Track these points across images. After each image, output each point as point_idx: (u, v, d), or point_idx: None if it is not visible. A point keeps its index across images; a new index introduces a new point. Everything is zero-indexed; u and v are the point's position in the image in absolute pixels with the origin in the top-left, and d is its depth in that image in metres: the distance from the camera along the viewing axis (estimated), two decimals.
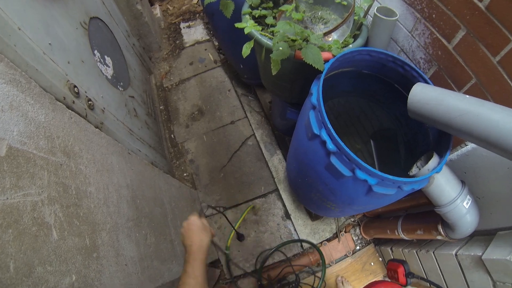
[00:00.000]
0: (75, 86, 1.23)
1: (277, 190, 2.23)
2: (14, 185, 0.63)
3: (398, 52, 1.37)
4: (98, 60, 1.63)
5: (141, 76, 2.49)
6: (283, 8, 1.23)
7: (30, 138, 0.70)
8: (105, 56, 1.74)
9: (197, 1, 3.76)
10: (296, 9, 1.26)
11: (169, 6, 4.11)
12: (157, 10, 3.94)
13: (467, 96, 0.90)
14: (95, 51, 1.63)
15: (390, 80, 1.31)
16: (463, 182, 1.14)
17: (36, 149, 0.71)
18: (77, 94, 1.24)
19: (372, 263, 2.04)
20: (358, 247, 2.10)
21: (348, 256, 2.07)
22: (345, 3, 1.30)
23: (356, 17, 1.29)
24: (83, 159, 0.92)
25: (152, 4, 4.06)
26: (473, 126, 0.85)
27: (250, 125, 2.41)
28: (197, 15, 3.62)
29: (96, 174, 0.97)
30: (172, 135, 2.52)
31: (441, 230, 1.25)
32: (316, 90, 1.08)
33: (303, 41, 1.16)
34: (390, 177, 0.94)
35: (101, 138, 1.15)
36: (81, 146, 0.94)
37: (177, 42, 3.24)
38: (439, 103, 0.94)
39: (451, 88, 1.18)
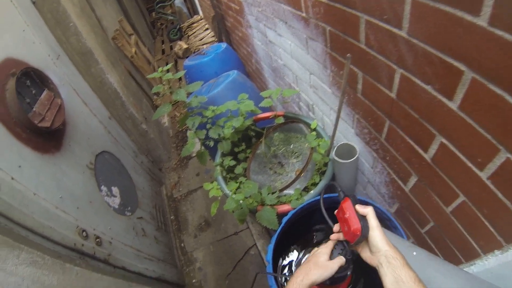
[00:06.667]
0: (83, 230, 1.42)
1: None
2: None
3: (366, 183, 1.40)
4: (105, 194, 1.84)
5: (151, 191, 2.72)
6: (236, 170, 1.36)
7: None
8: (112, 188, 1.96)
9: None
10: (267, 147, 1.40)
11: (176, 113, 4.46)
12: (165, 119, 4.23)
13: (418, 248, 0.90)
14: (102, 186, 1.83)
15: None
16: None
17: None
18: (86, 237, 1.41)
19: None
20: None
21: None
22: (314, 133, 1.37)
23: (321, 154, 1.35)
24: None
25: None
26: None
27: (252, 235, 2.53)
28: None
29: None
30: (182, 244, 2.67)
31: None
32: (270, 248, 1.17)
33: (259, 203, 1.29)
34: None
35: (103, 281, 1.29)
36: None
37: None
38: None
39: (413, 227, 1.18)
